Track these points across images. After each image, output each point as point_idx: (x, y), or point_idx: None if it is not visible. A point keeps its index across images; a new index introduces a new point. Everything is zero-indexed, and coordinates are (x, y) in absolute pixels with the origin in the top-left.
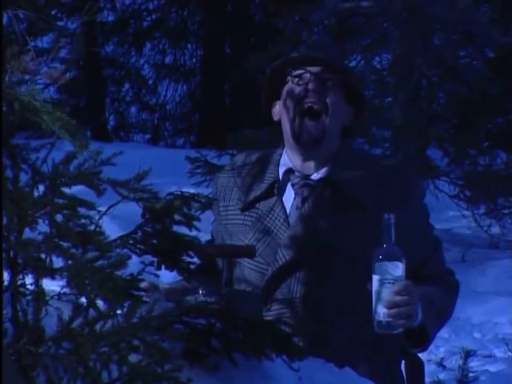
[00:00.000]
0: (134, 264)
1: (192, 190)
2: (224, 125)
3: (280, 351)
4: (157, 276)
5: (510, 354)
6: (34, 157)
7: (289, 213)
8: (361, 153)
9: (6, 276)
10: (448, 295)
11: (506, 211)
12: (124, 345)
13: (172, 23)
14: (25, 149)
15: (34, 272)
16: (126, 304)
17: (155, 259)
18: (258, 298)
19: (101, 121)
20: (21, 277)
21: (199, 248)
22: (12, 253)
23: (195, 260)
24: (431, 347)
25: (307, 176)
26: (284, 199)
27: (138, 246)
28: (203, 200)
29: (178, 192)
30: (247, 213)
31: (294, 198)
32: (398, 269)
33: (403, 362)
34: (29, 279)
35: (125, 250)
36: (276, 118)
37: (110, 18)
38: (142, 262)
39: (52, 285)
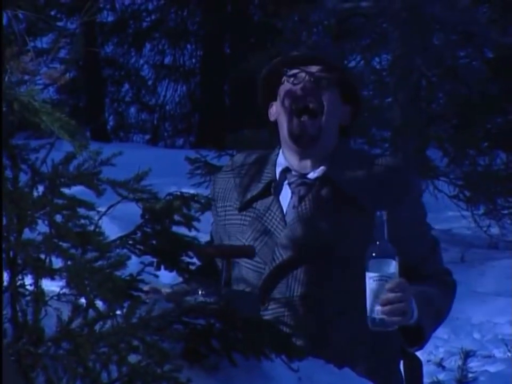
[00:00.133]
0: (133, 264)
1: (191, 191)
2: (224, 125)
3: (279, 351)
4: (157, 276)
5: (509, 354)
6: (33, 157)
7: (286, 212)
8: (359, 152)
9: (5, 276)
10: (446, 295)
11: (505, 211)
12: (124, 345)
13: (172, 23)
14: (25, 149)
15: (34, 273)
16: (125, 305)
17: (154, 259)
18: (256, 298)
19: (100, 122)
20: (20, 277)
21: (198, 249)
22: (11, 253)
23: (194, 260)
24: (431, 347)
25: (304, 175)
26: (280, 198)
27: (138, 246)
28: (203, 200)
29: (178, 193)
30: (244, 213)
31: (291, 197)
32: (391, 266)
33: (402, 362)
34: (28, 280)
35: (125, 250)
36: (272, 118)
37: (110, 18)
38: (141, 263)
39: (51, 286)
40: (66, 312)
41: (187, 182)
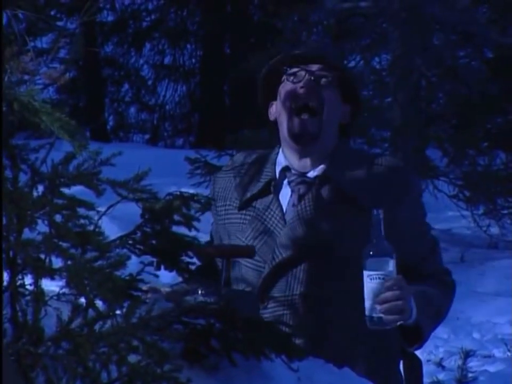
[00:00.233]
0: (133, 264)
1: (191, 191)
2: (224, 125)
3: (279, 351)
4: (157, 276)
5: (509, 354)
6: (33, 157)
7: (286, 211)
8: (358, 152)
9: (5, 276)
10: (445, 295)
11: (505, 211)
12: (123, 345)
13: (171, 23)
14: (25, 149)
15: (34, 273)
16: (125, 305)
17: (154, 259)
18: (256, 298)
19: (100, 122)
20: (20, 277)
21: (198, 249)
22: (11, 253)
23: (194, 260)
24: (430, 347)
25: (304, 174)
26: (280, 196)
27: (138, 246)
28: (202, 200)
29: (178, 193)
30: (244, 212)
31: (291, 196)
32: (388, 264)
33: (401, 362)
34: (28, 279)
35: (124, 250)
36: (272, 117)
37: (110, 18)
38: (141, 262)
39: (51, 285)
40: (66, 312)
41: (187, 182)
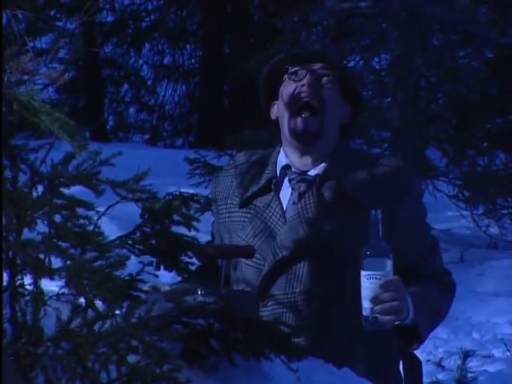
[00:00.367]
0: (132, 264)
1: (191, 191)
2: (223, 125)
3: (279, 351)
4: (156, 276)
5: (508, 354)
6: (33, 157)
7: (286, 209)
8: (359, 152)
9: (5, 276)
10: (444, 295)
11: (505, 211)
12: (123, 345)
13: (171, 23)
14: (24, 149)
15: (33, 273)
16: (124, 305)
17: (154, 259)
18: (256, 298)
19: (99, 122)
20: (19, 277)
21: (198, 249)
22: (10, 253)
23: (194, 260)
24: (430, 347)
25: (304, 172)
26: (281, 195)
27: (137, 246)
28: (202, 200)
29: (177, 193)
30: (244, 210)
31: (291, 194)
32: (385, 264)
33: (401, 362)
34: (27, 280)
35: (124, 250)
36: (273, 117)
37: (109, 18)
38: (140, 262)
39: (50, 285)
40: (65, 312)
41: (186, 182)
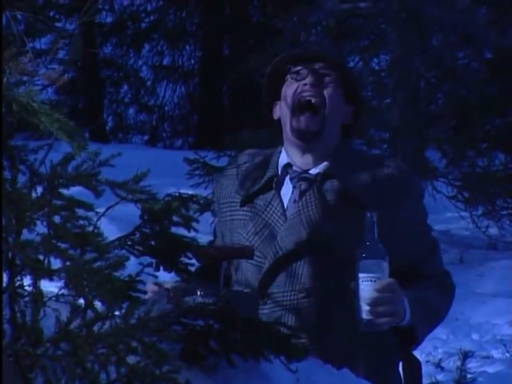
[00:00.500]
0: (132, 265)
1: (190, 191)
2: (223, 126)
3: (278, 352)
4: (156, 277)
5: (508, 355)
6: (32, 158)
7: (287, 207)
8: (360, 152)
9: (4, 277)
10: (443, 296)
11: (504, 212)
12: (122, 346)
13: (170, 24)
14: (24, 150)
15: (33, 274)
16: (124, 306)
17: (153, 260)
18: (255, 297)
19: (99, 123)
20: (19, 278)
21: (197, 250)
22: (10, 254)
23: (193, 261)
24: (429, 348)
25: (305, 171)
26: (282, 193)
27: (137, 247)
28: (201, 201)
29: (177, 194)
30: (246, 208)
31: (292, 192)
32: (381, 267)
33: (401, 363)
34: (27, 280)
35: (123, 251)
36: (276, 116)
37: (108, 19)
38: (140, 263)
39: (50, 286)
40: (65, 313)
41: (186, 183)
